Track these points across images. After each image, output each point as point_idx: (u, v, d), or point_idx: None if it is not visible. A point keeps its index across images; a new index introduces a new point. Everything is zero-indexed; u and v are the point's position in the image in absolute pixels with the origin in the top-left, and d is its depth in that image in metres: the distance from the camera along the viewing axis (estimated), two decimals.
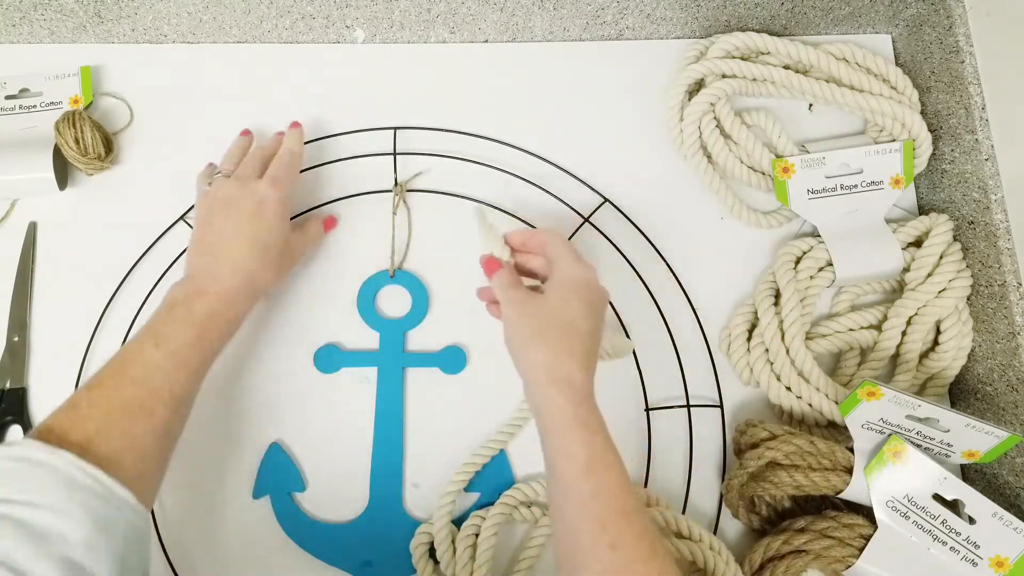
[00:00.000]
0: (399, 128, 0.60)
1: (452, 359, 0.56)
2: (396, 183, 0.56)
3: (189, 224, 0.58)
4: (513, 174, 0.60)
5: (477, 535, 0.50)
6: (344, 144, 0.61)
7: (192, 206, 0.57)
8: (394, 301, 0.57)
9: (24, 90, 0.61)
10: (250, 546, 0.52)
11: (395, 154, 0.59)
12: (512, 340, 0.45)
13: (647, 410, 0.55)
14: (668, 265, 0.58)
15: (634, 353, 0.55)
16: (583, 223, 0.59)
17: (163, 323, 0.46)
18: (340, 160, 0.60)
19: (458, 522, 0.51)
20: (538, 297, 0.45)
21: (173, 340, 0.45)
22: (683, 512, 0.52)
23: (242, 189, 0.51)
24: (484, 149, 0.61)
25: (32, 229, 0.59)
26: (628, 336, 0.56)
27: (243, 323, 0.50)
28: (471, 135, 0.61)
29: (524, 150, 0.61)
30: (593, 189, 0.60)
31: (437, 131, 0.61)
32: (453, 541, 0.50)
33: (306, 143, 0.58)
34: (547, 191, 0.59)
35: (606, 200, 0.59)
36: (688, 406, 0.54)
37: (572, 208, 0.59)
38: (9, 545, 0.34)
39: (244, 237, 0.49)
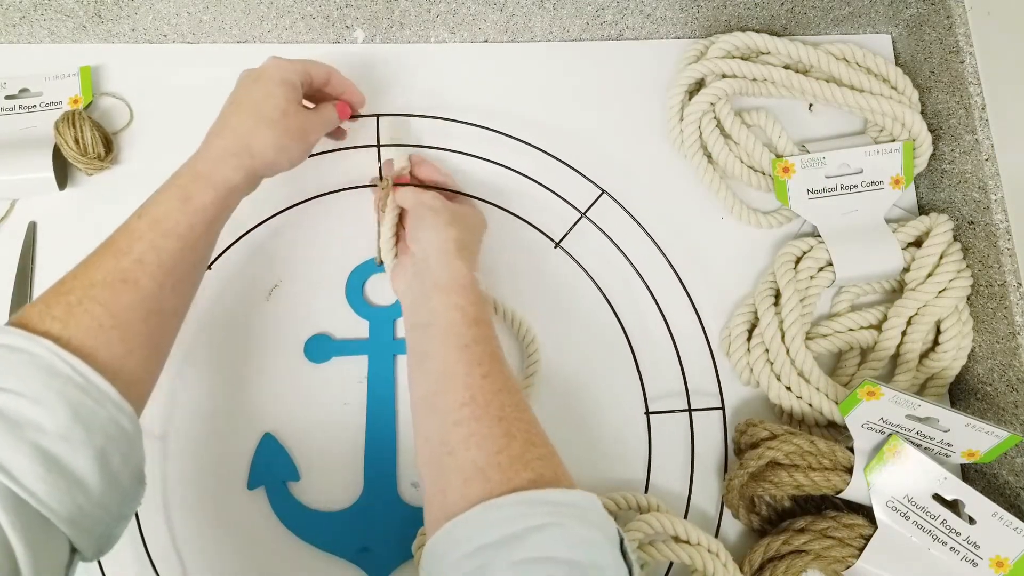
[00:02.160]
0: (382, 116, 0.59)
1: None
2: (382, 177, 0.55)
3: None
4: (507, 167, 0.59)
5: None
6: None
7: None
8: (383, 289, 0.57)
9: (24, 90, 0.61)
10: (247, 537, 0.52)
11: (379, 146, 0.58)
12: (428, 224, 0.51)
13: (647, 414, 0.54)
14: (669, 261, 0.57)
15: (633, 354, 0.55)
16: (580, 218, 0.58)
17: (151, 198, 0.45)
18: (327, 152, 0.59)
19: None
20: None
21: (156, 206, 0.44)
22: (686, 516, 0.52)
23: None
24: (477, 142, 0.60)
25: (32, 229, 0.59)
26: None
27: (231, 193, 0.47)
28: (458, 122, 0.60)
29: (520, 139, 0.59)
30: (591, 180, 0.58)
31: (424, 118, 0.60)
32: None
33: None
34: (543, 185, 0.58)
35: (604, 192, 0.58)
36: (690, 410, 0.54)
37: (568, 203, 0.58)
38: None
39: (235, 101, 0.50)
